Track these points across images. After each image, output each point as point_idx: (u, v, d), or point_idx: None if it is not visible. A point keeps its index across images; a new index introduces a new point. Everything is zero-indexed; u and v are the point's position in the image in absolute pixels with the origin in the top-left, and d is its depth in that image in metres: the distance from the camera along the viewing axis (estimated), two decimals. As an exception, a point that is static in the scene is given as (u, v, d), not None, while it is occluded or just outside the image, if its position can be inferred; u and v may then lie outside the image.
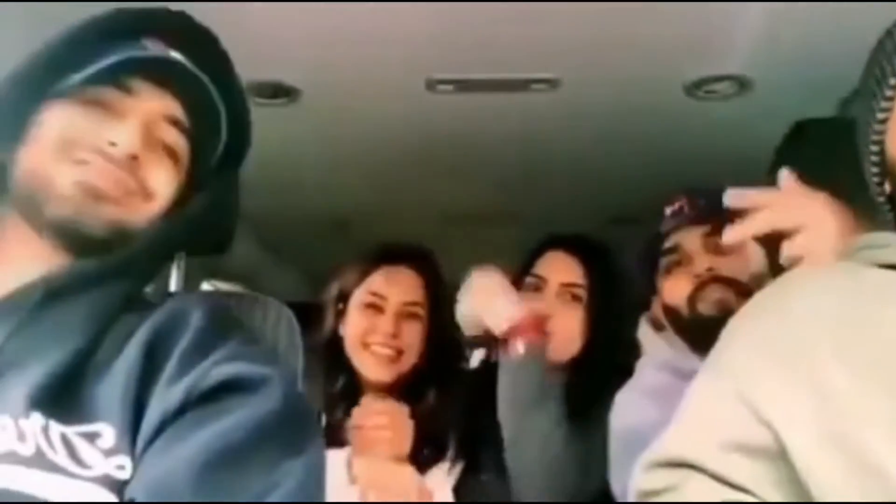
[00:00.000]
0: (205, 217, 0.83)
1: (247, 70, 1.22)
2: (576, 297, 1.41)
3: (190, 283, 1.21)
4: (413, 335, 1.37)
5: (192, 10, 1.01)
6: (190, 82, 0.79)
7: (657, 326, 1.31)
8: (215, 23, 1.06)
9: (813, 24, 1.07)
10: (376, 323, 1.36)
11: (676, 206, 1.24)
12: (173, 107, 0.80)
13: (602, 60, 1.18)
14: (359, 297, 1.40)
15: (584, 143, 1.51)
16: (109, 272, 0.74)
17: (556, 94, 1.28)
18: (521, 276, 1.47)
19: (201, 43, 0.84)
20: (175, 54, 0.80)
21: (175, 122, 0.80)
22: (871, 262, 0.65)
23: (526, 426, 1.29)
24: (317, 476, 0.66)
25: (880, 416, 0.53)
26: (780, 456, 0.55)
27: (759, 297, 0.67)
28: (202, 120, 0.82)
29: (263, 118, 1.36)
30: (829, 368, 0.56)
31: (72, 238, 0.74)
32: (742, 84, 1.25)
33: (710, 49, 1.14)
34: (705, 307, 1.16)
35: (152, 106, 0.78)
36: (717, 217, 1.19)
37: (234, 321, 0.78)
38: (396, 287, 1.39)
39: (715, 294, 1.16)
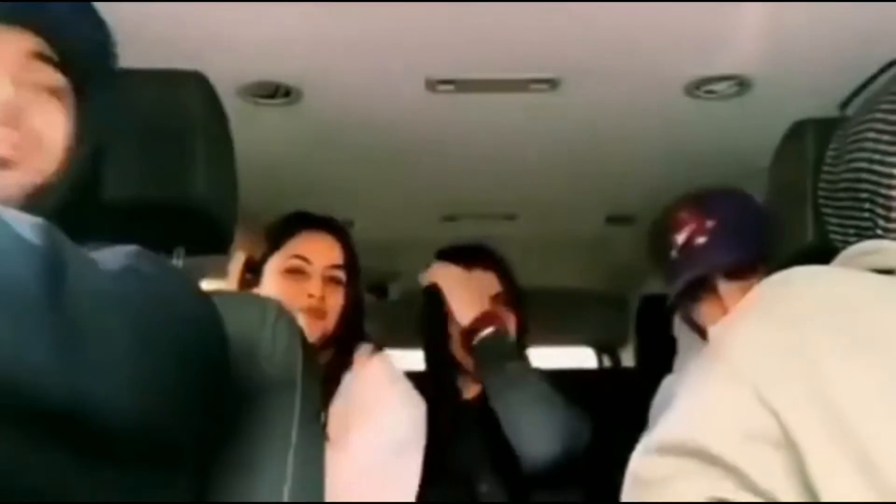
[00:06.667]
0: (99, 134, 0.75)
1: (247, 70, 1.23)
2: None
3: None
4: (336, 299, 1.42)
5: (190, 9, 1.02)
6: (43, 14, 0.70)
7: (691, 324, 1.33)
8: (215, 23, 1.07)
9: (813, 24, 1.07)
10: (304, 286, 1.39)
11: (685, 234, 1.24)
12: (35, 42, 0.71)
13: (602, 60, 1.18)
14: (278, 262, 1.43)
15: (584, 142, 1.51)
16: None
17: (556, 94, 1.28)
18: None
19: None
20: None
21: (43, 58, 0.71)
22: (866, 268, 0.66)
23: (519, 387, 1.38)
24: None
25: (885, 413, 0.53)
26: (786, 445, 0.55)
27: (764, 291, 0.67)
28: (71, 47, 0.72)
29: (263, 118, 1.37)
30: (837, 364, 0.56)
31: None
32: (742, 84, 1.24)
33: (710, 49, 1.14)
34: None
35: (10, 48, 0.69)
36: (739, 254, 1.20)
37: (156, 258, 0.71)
38: (320, 251, 1.43)
39: None
